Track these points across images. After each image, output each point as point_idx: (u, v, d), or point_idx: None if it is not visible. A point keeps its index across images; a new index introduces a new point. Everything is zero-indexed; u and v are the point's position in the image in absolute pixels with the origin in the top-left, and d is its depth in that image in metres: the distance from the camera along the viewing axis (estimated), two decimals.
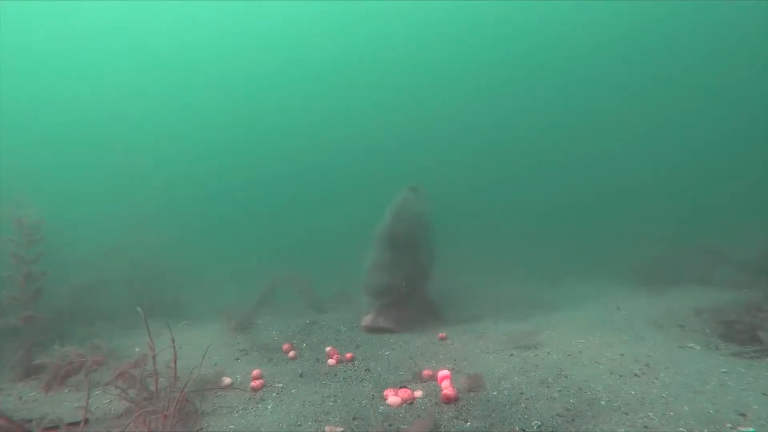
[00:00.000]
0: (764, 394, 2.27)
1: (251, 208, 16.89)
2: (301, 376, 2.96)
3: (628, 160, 18.07)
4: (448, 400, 2.33)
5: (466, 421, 2.13)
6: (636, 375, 2.58)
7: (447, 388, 2.41)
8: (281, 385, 2.77)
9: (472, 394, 2.45)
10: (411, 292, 4.33)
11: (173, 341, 2.19)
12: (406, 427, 2.10)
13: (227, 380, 2.82)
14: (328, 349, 3.56)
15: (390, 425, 2.13)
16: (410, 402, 2.39)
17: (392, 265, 4.31)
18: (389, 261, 4.33)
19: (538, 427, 2.03)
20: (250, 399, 2.57)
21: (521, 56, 25.92)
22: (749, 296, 4.07)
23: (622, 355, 2.98)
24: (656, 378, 2.53)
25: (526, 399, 2.34)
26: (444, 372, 2.56)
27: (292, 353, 3.49)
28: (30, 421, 2.27)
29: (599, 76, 24.01)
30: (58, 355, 2.56)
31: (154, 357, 2.11)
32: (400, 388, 2.56)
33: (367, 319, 4.08)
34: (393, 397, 2.41)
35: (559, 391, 2.42)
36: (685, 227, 7.34)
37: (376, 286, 4.20)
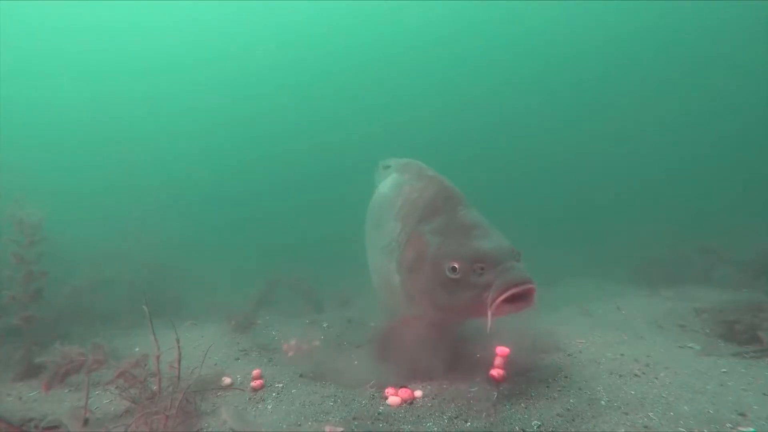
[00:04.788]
0: (764, 394, 2.28)
1: (251, 208, 16.90)
2: (301, 376, 2.96)
3: (629, 161, 18.09)
4: (496, 380, 2.24)
5: (466, 422, 2.13)
6: (636, 375, 2.59)
7: (496, 372, 2.27)
8: (281, 385, 2.77)
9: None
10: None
11: (178, 341, 2.19)
12: (406, 426, 2.10)
13: (227, 380, 2.82)
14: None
15: (390, 425, 2.13)
16: (410, 402, 2.39)
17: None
18: (453, 308, 2.51)
19: (538, 427, 2.03)
20: (250, 399, 2.57)
21: (523, 55, 25.93)
22: (749, 296, 4.07)
23: (622, 355, 2.98)
24: (656, 378, 2.53)
25: (526, 399, 2.34)
26: (503, 348, 2.33)
27: (292, 353, 3.48)
28: (30, 420, 2.27)
29: (600, 77, 24.02)
30: (58, 354, 2.56)
31: (158, 357, 2.11)
32: (400, 387, 2.56)
33: None
34: (393, 397, 2.41)
35: (559, 391, 2.42)
36: (686, 227, 7.35)
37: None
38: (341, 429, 2.08)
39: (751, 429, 1.89)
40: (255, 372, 2.89)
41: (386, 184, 3.53)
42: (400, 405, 2.36)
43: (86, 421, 2.25)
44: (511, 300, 2.17)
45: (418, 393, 2.48)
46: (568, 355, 3.05)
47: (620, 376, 2.59)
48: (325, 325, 4.39)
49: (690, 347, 3.22)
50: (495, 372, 2.26)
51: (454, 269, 2.40)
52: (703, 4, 20.81)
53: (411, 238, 2.79)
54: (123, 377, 2.16)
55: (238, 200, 17.96)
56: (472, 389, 2.50)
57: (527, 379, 2.64)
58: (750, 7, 19.66)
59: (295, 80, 27.59)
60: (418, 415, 2.22)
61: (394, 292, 2.90)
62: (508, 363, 2.32)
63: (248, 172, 21.73)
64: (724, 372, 2.61)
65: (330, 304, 5.50)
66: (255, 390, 2.69)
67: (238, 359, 3.41)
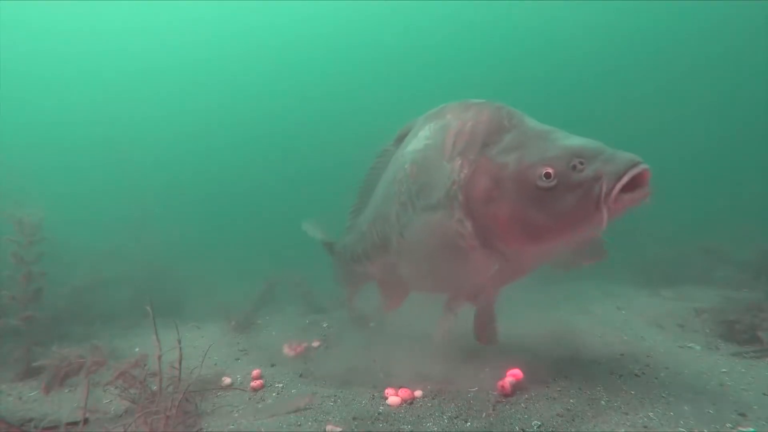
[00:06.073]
0: (764, 394, 2.28)
1: (251, 208, 16.91)
2: (301, 376, 2.96)
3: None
4: (504, 392, 2.37)
5: (466, 422, 2.13)
6: (636, 375, 2.59)
7: (508, 383, 2.41)
8: (281, 385, 2.77)
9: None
10: None
11: (179, 342, 2.20)
12: (406, 427, 2.10)
13: (227, 380, 2.83)
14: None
15: (390, 425, 2.13)
16: (410, 402, 2.39)
17: None
18: None
19: (538, 427, 2.03)
20: (250, 399, 2.57)
21: (523, 56, 25.94)
22: (749, 296, 4.07)
23: (622, 355, 2.98)
24: (656, 378, 2.53)
25: (526, 399, 2.34)
26: (516, 371, 2.52)
27: (292, 353, 3.49)
28: (30, 421, 2.28)
29: (599, 77, 24.03)
30: (57, 356, 2.56)
31: (159, 357, 2.11)
32: (400, 387, 2.56)
33: None
34: (393, 397, 2.41)
35: (559, 391, 2.42)
36: (686, 227, 7.34)
37: None
38: (341, 429, 2.08)
39: (751, 429, 1.89)
40: (255, 372, 2.90)
41: (419, 141, 2.76)
42: (400, 405, 2.36)
43: (86, 421, 2.25)
44: (628, 189, 1.87)
45: (418, 393, 2.48)
46: (568, 355, 3.05)
47: (620, 376, 2.59)
48: (325, 325, 4.39)
49: (690, 347, 3.22)
50: (503, 384, 2.35)
51: (548, 175, 2.05)
52: (703, 4, 20.81)
53: (477, 167, 2.33)
54: (123, 377, 2.16)
55: (238, 200, 17.97)
56: (472, 389, 2.50)
57: (527, 379, 2.64)
58: (750, 7, 19.67)
59: (296, 80, 27.60)
60: (418, 415, 2.22)
61: (464, 249, 2.38)
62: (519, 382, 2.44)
63: (249, 172, 21.73)
64: (724, 372, 2.61)
65: (330, 304, 5.49)
66: (255, 390, 2.69)
67: (238, 359, 3.41)
